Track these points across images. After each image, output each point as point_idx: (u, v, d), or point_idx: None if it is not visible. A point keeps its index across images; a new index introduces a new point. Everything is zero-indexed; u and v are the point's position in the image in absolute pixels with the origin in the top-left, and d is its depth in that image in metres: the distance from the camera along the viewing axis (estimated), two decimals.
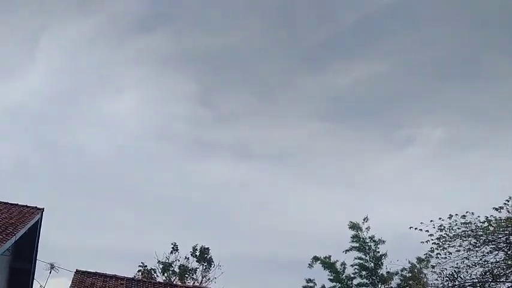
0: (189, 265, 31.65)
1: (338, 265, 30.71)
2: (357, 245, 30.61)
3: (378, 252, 30.40)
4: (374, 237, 30.60)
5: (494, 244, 15.21)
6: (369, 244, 30.54)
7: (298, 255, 36.99)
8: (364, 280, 30.22)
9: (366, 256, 30.40)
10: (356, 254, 30.56)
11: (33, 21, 43.61)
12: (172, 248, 31.67)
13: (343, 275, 30.49)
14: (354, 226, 30.95)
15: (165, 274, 30.92)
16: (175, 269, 31.33)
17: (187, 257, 31.87)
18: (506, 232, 14.89)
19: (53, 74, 48.87)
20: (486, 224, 15.19)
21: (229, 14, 48.37)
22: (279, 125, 51.33)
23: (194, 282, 30.72)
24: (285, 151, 51.27)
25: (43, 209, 19.88)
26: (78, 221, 37.86)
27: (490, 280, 15.55)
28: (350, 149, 49.64)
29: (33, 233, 19.44)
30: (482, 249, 15.31)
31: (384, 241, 30.46)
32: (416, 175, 46.45)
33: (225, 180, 47.40)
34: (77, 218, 36.99)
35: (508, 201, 14.90)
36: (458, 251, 15.50)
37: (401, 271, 29.40)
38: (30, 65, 47.80)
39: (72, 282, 18.72)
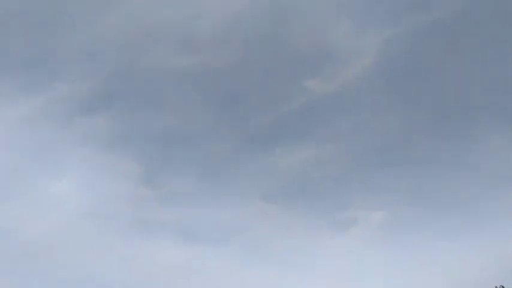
0: None
1: None
2: None
3: None
4: None
5: None
6: None
7: None
8: None
9: None
10: None
11: None
12: None
13: None
14: None
15: None
16: None
17: None
18: None
19: None
20: None
21: (175, 93, 49.39)
22: (224, 205, 51.24)
23: None
24: (229, 232, 50.81)
25: None
26: None
27: None
28: (295, 230, 49.94)
29: None
30: None
31: None
32: (360, 257, 47.01)
33: (167, 263, 45.98)
34: None
35: None
36: None
37: None
38: None
39: None
